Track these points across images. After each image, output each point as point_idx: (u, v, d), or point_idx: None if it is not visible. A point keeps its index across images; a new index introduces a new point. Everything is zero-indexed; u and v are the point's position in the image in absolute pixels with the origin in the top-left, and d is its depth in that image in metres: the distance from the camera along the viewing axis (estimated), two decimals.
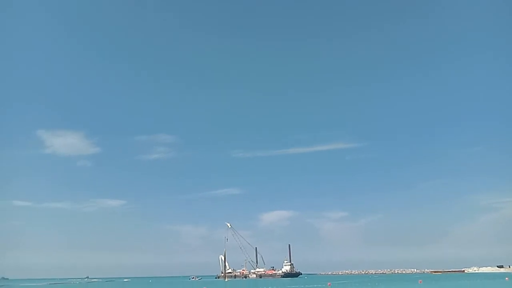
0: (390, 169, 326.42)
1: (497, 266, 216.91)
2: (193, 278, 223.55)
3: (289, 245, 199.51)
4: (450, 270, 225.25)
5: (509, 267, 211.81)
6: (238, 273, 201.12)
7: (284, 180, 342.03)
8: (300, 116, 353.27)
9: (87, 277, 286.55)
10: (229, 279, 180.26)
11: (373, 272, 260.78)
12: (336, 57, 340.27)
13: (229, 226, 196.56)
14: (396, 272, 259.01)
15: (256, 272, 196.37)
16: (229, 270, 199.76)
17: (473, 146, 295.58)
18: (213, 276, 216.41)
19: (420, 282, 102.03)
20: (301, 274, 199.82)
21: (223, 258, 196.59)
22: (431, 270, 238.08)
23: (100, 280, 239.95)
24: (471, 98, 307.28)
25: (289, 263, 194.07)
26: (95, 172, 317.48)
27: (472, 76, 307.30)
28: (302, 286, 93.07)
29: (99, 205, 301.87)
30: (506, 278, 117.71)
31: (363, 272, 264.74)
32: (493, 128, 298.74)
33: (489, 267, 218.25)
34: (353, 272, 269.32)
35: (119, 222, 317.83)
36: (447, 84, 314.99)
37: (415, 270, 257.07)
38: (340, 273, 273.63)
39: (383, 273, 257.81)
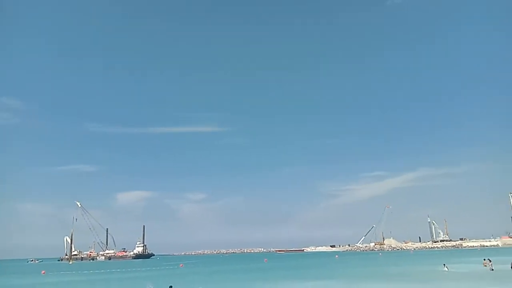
0: (254, 154, 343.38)
1: (330, 246, 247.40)
2: (32, 260, 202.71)
3: (144, 226, 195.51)
4: (292, 249, 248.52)
5: (339, 246, 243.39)
6: (85, 255, 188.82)
7: (144, 159, 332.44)
8: (170, 96, 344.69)
9: None
10: (75, 261, 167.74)
11: (225, 252, 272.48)
12: (224, 42, 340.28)
13: (79, 205, 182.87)
14: (245, 251, 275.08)
15: (105, 254, 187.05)
16: (75, 252, 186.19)
17: (331, 138, 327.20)
18: (57, 258, 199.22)
19: (266, 261, 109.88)
20: (154, 255, 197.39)
21: (69, 240, 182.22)
22: (276, 249, 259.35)
23: None
24: (336, 92, 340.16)
25: (142, 245, 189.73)
26: None
27: (339, 73, 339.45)
28: (149, 268, 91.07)
29: None
30: (336, 256, 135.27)
31: (215, 252, 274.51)
32: (350, 121, 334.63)
33: (324, 247, 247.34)
34: (205, 252, 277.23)
35: None
36: (315, 80, 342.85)
37: (262, 249, 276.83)
38: (193, 253, 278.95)
39: (233, 252, 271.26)
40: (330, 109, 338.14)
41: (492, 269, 42.87)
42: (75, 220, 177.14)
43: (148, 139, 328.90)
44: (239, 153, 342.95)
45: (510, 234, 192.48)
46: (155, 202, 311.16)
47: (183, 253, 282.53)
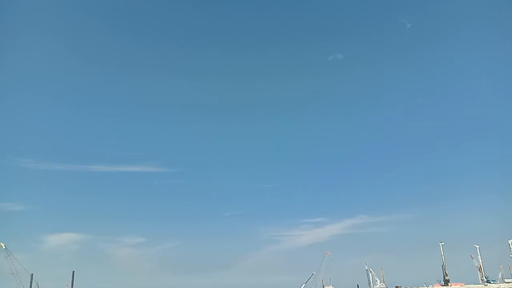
0: (194, 197, 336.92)
1: None
2: None
3: (73, 271, 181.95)
4: None
5: None
6: None
7: (79, 200, 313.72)
8: (105, 131, 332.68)
9: None
10: None
11: None
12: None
13: (3, 247, 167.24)
14: None
15: None
16: None
17: (271, 183, 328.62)
18: None
19: None
20: None
21: None
22: None
23: None
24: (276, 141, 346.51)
25: None
26: None
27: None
28: None
29: None
30: None
31: None
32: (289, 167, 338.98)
33: None
34: None
35: None
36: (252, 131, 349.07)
37: None
38: None
39: None
40: (271, 155, 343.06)
41: None
42: None
43: (84, 177, 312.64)
44: (180, 196, 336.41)
45: (441, 282, 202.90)
46: (87, 245, 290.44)
47: None
